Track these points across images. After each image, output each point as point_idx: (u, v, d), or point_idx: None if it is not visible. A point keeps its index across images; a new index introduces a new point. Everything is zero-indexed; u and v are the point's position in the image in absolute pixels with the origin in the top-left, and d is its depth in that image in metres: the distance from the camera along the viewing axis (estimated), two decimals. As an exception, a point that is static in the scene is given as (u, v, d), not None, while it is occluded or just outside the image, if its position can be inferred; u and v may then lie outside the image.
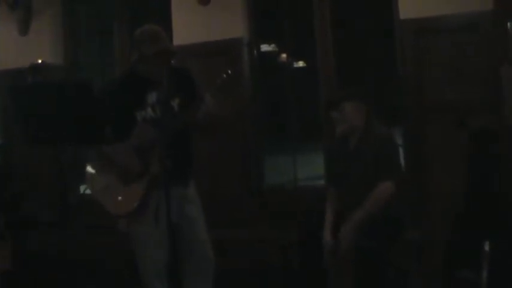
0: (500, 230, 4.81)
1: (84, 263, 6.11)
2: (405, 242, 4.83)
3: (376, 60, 6.24)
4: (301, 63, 7.00)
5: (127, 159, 4.25)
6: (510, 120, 5.10)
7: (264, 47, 6.81)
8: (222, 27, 6.31)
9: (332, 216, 4.86)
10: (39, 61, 6.78)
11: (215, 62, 6.14)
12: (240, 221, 6.05)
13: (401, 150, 5.38)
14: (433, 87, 5.62)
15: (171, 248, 4.00)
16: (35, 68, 6.73)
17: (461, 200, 4.96)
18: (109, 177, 4.31)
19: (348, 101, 4.88)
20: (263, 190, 6.36)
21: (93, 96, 4.39)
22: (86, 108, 4.31)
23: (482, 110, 5.36)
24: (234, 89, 5.79)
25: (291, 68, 6.74)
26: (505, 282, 4.74)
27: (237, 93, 6.08)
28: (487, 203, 4.84)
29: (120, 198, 4.28)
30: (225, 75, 4.22)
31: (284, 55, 6.77)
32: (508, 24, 5.20)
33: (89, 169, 4.42)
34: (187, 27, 6.39)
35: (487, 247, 4.82)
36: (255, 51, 6.48)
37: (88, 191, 4.58)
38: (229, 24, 6.32)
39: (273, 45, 6.92)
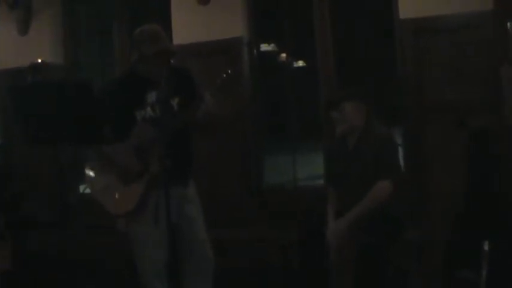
0: (500, 230, 4.81)
1: (84, 263, 6.12)
2: (405, 242, 4.83)
3: (376, 60, 6.23)
4: (301, 63, 7.00)
5: (127, 159, 4.25)
6: (510, 120, 5.10)
7: (264, 47, 6.79)
8: (221, 26, 6.30)
9: (333, 217, 4.86)
10: (39, 61, 6.77)
11: (215, 61, 6.14)
12: (240, 220, 6.05)
13: (401, 150, 5.39)
14: (433, 87, 5.62)
15: (171, 248, 4.00)
16: (34, 67, 6.73)
17: (461, 200, 4.95)
18: (109, 177, 4.32)
19: (348, 101, 4.89)
20: (263, 190, 6.36)
21: (93, 96, 4.38)
22: (85, 108, 4.29)
23: (482, 110, 5.36)
24: (233, 89, 5.78)
25: (290, 68, 6.73)
26: (505, 282, 4.75)
27: (237, 93, 6.08)
28: (487, 203, 4.83)
29: (119, 197, 4.29)
30: (224, 75, 4.22)
31: (284, 55, 6.77)
32: (508, 24, 5.21)
33: (89, 169, 4.43)
34: (187, 27, 6.39)
35: (486, 247, 4.83)
36: (255, 51, 6.48)
37: (88, 191, 4.58)
38: (229, 24, 6.31)
39: (272, 45, 6.91)
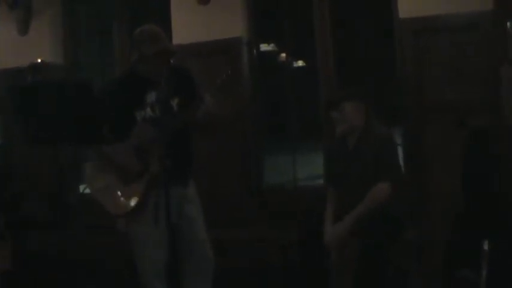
0: (500, 229, 4.81)
1: (84, 263, 6.12)
2: (405, 242, 4.84)
3: (376, 60, 6.23)
4: (300, 63, 7.00)
5: (126, 159, 4.25)
6: (510, 120, 5.10)
7: (264, 47, 6.80)
8: (221, 26, 6.30)
9: (332, 217, 4.87)
10: (39, 61, 6.77)
11: (215, 61, 6.15)
12: (240, 220, 6.05)
13: (400, 150, 5.39)
14: (433, 87, 5.62)
15: (171, 248, 4.01)
16: (34, 67, 6.73)
17: (461, 200, 4.95)
18: (109, 177, 4.32)
19: (348, 101, 4.88)
20: (263, 190, 6.36)
21: (93, 96, 4.39)
22: (85, 108, 4.30)
23: (482, 110, 5.36)
24: (233, 89, 5.78)
25: (290, 68, 6.73)
26: (505, 281, 4.75)
27: (237, 93, 6.07)
28: (487, 203, 4.83)
29: (119, 197, 4.29)
30: (224, 75, 4.22)
31: (283, 55, 6.77)
32: (508, 23, 5.19)
33: (89, 169, 4.43)
34: (187, 27, 6.39)
35: (486, 246, 4.83)
36: (255, 51, 6.47)
37: (87, 191, 4.58)
38: (229, 24, 6.31)
39: (272, 45, 6.91)
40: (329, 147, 5.37)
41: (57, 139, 4.73)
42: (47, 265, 6.20)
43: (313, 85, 6.28)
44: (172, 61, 4.45)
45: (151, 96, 4.31)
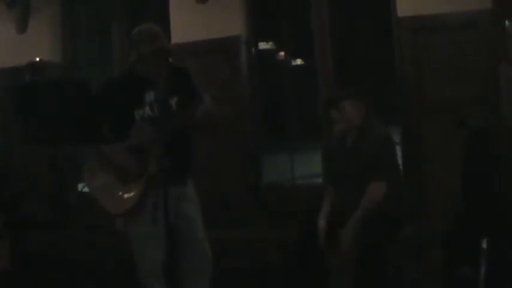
0: (499, 229, 4.83)
1: (84, 263, 6.11)
2: (404, 241, 4.84)
3: (375, 59, 6.23)
4: (299, 61, 6.98)
5: (125, 158, 4.24)
6: (509, 119, 5.10)
7: (262, 45, 6.79)
8: (220, 25, 6.29)
9: (328, 206, 4.89)
10: (37, 59, 6.76)
11: (213, 60, 6.14)
12: (240, 220, 6.04)
13: (399, 150, 5.40)
14: (432, 86, 5.62)
15: (169, 248, 4.00)
16: (32, 66, 6.71)
17: (461, 199, 4.96)
18: (107, 176, 4.31)
19: (347, 99, 4.89)
20: (262, 189, 6.35)
21: (92, 95, 4.39)
22: (84, 107, 4.30)
23: (482, 109, 5.36)
24: (232, 88, 5.78)
25: (289, 66, 6.72)
26: (503, 279, 4.77)
27: (235, 92, 6.06)
28: (486, 202, 4.85)
29: (118, 197, 4.28)
30: (223, 76, 4.23)
31: (282, 53, 6.76)
32: (506, 22, 5.19)
33: (88, 168, 4.41)
34: (185, 26, 6.37)
35: (484, 245, 4.84)
36: (253, 49, 6.46)
37: (86, 189, 4.58)
38: (227, 22, 6.30)
39: (271, 43, 6.90)
40: (328, 146, 5.37)
41: (55, 138, 4.73)
42: (46, 265, 6.19)
43: (312, 84, 6.28)
44: (170, 60, 4.45)
45: (150, 96, 4.30)
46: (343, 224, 4.71)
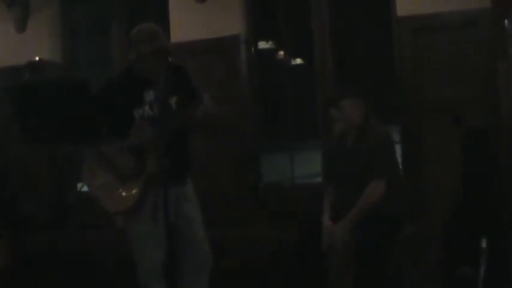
0: (499, 229, 4.84)
1: (84, 263, 6.11)
2: (404, 241, 4.84)
3: (375, 59, 6.23)
4: (298, 61, 6.97)
5: (125, 157, 4.25)
6: (508, 119, 5.11)
7: (262, 45, 6.78)
8: (219, 24, 6.29)
9: (329, 207, 4.90)
10: (37, 59, 6.75)
11: (213, 59, 6.14)
12: (240, 220, 6.03)
13: (399, 149, 5.40)
14: (432, 86, 5.62)
15: (169, 248, 4.00)
16: (32, 65, 6.71)
17: (461, 199, 4.97)
18: (107, 175, 4.31)
19: (346, 98, 4.89)
20: (261, 189, 6.35)
21: (91, 94, 4.38)
22: (83, 107, 4.30)
23: (481, 109, 5.37)
24: (231, 87, 5.78)
25: (288, 66, 6.71)
26: (502, 278, 4.78)
27: (235, 92, 6.06)
28: (487, 202, 4.85)
29: (118, 196, 4.28)
30: (219, 76, 4.23)
31: (282, 52, 6.76)
32: (506, 21, 5.19)
33: (87, 167, 4.41)
34: (185, 25, 6.37)
35: (484, 244, 4.85)
36: (253, 49, 6.46)
37: (85, 188, 4.58)
38: (227, 22, 6.30)
39: (270, 43, 6.89)
40: (328, 146, 5.37)
41: (55, 138, 4.73)
42: (46, 265, 6.19)
43: (312, 83, 6.28)
44: (170, 59, 4.44)
45: (149, 95, 4.30)
46: (343, 224, 4.74)
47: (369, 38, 6.25)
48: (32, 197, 6.70)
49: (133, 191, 4.24)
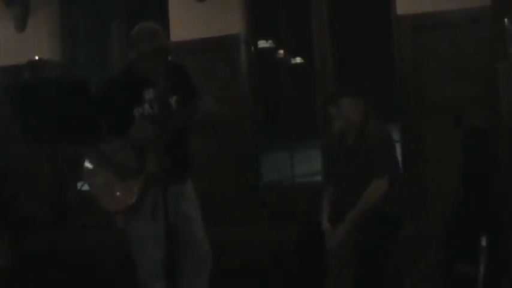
0: (499, 228, 4.84)
1: (84, 263, 6.11)
2: (404, 241, 4.84)
3: (375, 58, 6.22)
4: (298, 60, 6.97)
5: (124, 156, 4.25)
6: (508, 119, 5.11)
7: (262, 44, 6.78)
8: (219, 23, 6.29)
9: (329, 207, 4.90)
10: (37, 58, 6.75)
11: (212, 58, 6.13)
12: (240, 220, 6.04)
13: (399, 149, 5.39)
14: (432, 85, 5.62)
15: (169, 247, 4.00)
16: (32, 64, 6.71)
17: (461, 199, 4.97)
18: (107, 174, 4.30)
19: (346, 97, 4.89)
20: (261, 189, 6.35)
21: (91, 93, 4.38)
22: (83, 106, 4.30)
23: (481, 109, 5.36)
24: (231, 87, 5.78)
25: (288, 65, 6.72)
26: (502, 277, 4.78)
27: (235, 90, 6.07)
28: (486, 202, 4.86)
29: (117, 195, 4.28)
30: (223, 75, 4.23)
31: (281, 51, 6.76)
32: (506, 20, 5.18)
33: (87, 167, 4.40)
34: (185, 24, 6.37)
35: (484, 243, 4.86)
36: (252, 48, 6.46)
37: (85, 187, 4.58)
38: (226, 21, 6.30)
39: (270, 42, 6.89)
40: (328, 146, 5.38)
41: (55, 137, 4.73)
42: (46, 265, 6.19)
43: (311, 81, 6.28)
44: (170, 58, 4.44)
45: (149, 94, 4.29)
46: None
47: (369, 38, 6.24)
48: (32, 197, 6.70)
49: (133, 190, 4.23)
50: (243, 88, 6.27)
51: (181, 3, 6.41)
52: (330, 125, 5.08)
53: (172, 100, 4.30)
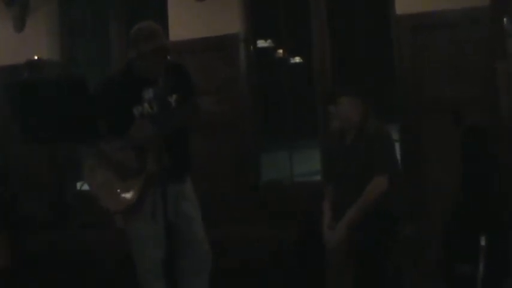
0: (498, 228, 4.84)
1: (84, 263, 6.11)
2: (404, 241, 4.85)
3: (375, 58, 6.22)
4: (298, 59, 6.97)
5: (124, 156, 4.25)
6: (508, 118, 5.11)
7: (261, 43, 6.78)
8: (218, 23, 6.29)
9: (330, 211, 4.88)
10: (36, 57, 6.75)
11: (211, 58, 6.14)
12: (240, 220, 6.04)
13: (398, 148, 5.39)
14: (432, 85, 5.62)
15: (169, 247, 4.00)
16: (31, 64, 6.71)
17: (461, 199, 4.98)
18: (107, 173, 4.30)
19: (345, 96, 4.90)
20: (261, 188, 6.35)
21: (90, 93, 4.38)
22: (82, 106, 4.29)
23: (481, 109, 5.36)
24: (231, 86, 5.78)
25: (288, 64, 6.72)
26: (501, 276, 4.79)
27: (234, 90, 6.07)
28: (486, 202, 4.86)
29: (117, 194, 4.28)
30: (224, 75, 4.24)
31: (281, 51, 6.76)
32: (505, 19, 5.19)
33: (87, 166, 4.40)
34: (184, 24, 6.37)
35: (483, 242, 4.86)
36: (252, 47, 6.46)
37: (85, 187, 4.58)
38: (226, 20, 6.30)
39: (269, 41, 6.89)
40: (328, 146, 5.38)
41: (54, 137, 4.72)
42: (46, 265, 6.19)
43: (311, 81, 6.28)
44: (169, 57, 4.45)
45: (148, 93, 4.28)
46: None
47: (369, 38, 6.24)
48: (32, 197, 6.71)
49: (133, 189, 4.24)
50: (243, 88, 6.26)
51: (180, 2, 6.41)
52: (329, 124, 5.08)
53: (172, 100, 4.31)
